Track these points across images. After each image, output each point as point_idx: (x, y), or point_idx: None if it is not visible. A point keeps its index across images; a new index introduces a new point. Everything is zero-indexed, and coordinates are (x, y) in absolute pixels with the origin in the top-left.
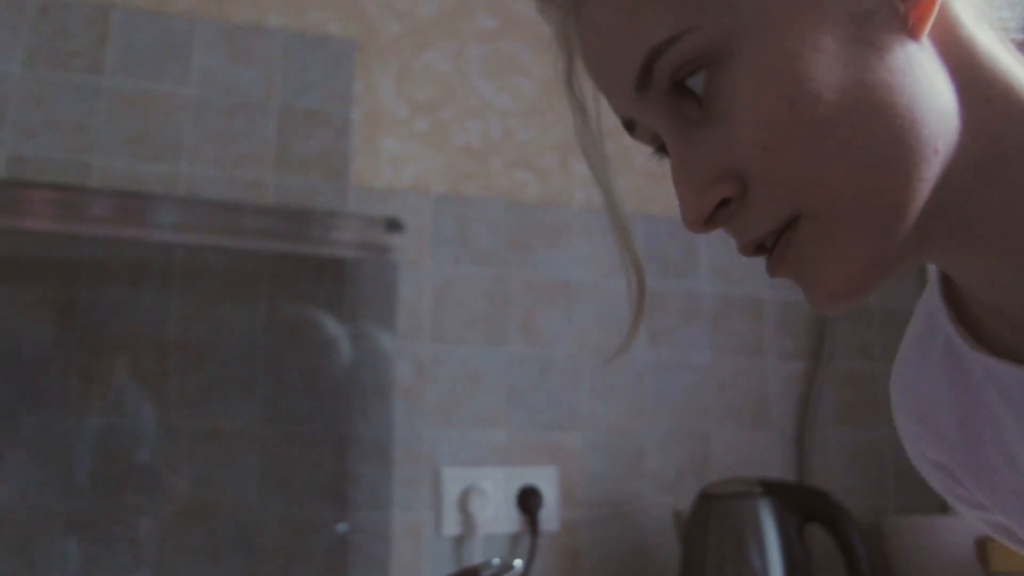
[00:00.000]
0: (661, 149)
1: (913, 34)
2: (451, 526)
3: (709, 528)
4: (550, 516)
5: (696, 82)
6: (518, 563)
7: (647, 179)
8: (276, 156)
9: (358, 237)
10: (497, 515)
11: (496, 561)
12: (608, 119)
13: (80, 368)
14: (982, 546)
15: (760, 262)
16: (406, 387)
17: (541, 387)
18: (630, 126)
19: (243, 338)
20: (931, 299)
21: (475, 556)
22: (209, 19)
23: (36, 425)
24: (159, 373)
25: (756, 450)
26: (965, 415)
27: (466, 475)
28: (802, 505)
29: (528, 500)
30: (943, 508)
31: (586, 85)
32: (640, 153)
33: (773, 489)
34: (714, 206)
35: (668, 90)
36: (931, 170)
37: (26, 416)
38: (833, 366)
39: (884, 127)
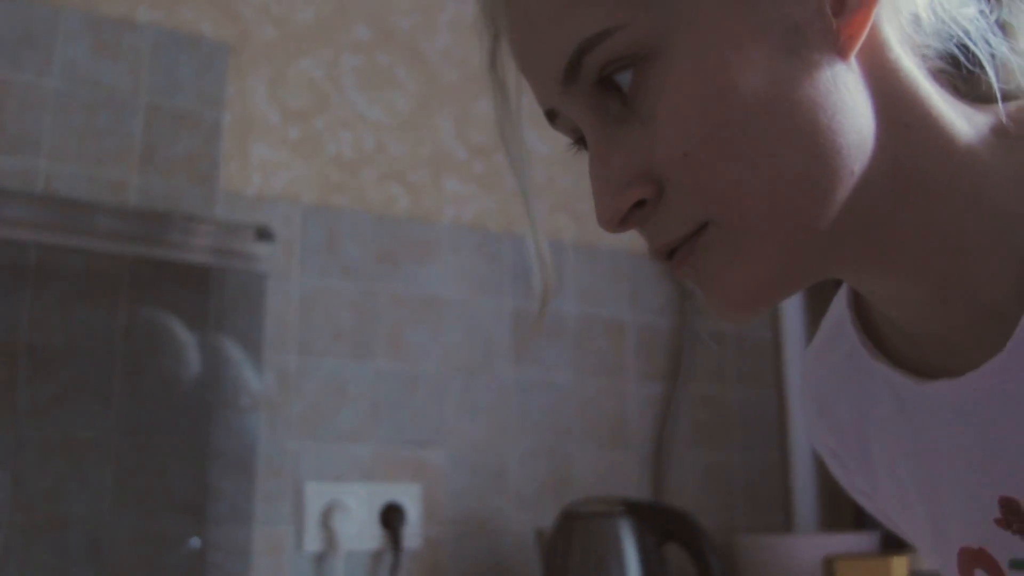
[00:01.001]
0: (580, 142)
1: (842, 53)
2: (313, 542)
3: (571, 546)
4: (413, 533)
5: (624, 79)
6: None
7: (515, 198)
8: (141, 156)
9: (225, 244)
10: (360, 531)
11: None
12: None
13: None
14: (829, 565)
15: (623, 285)
16: (270, 399)
17: (407, 403)
18: (551, 116)
19: (100, 344)
20: (840, 303)
21: (336, 573)
22: (74, 8)
23: None
24: (8, 378)
25: (615, 469)
26: (859, 416)
27: (329, 490)
28: (661, 524)
29: (391, 517)
30: (791, 527)
31: (509, 68)
32: (509, 172)
33: (634, 508)
34: (629, 207)
35: (594, 85)
36: (845, 191)
37: None
38: (689, 389)
39: (804, 145)
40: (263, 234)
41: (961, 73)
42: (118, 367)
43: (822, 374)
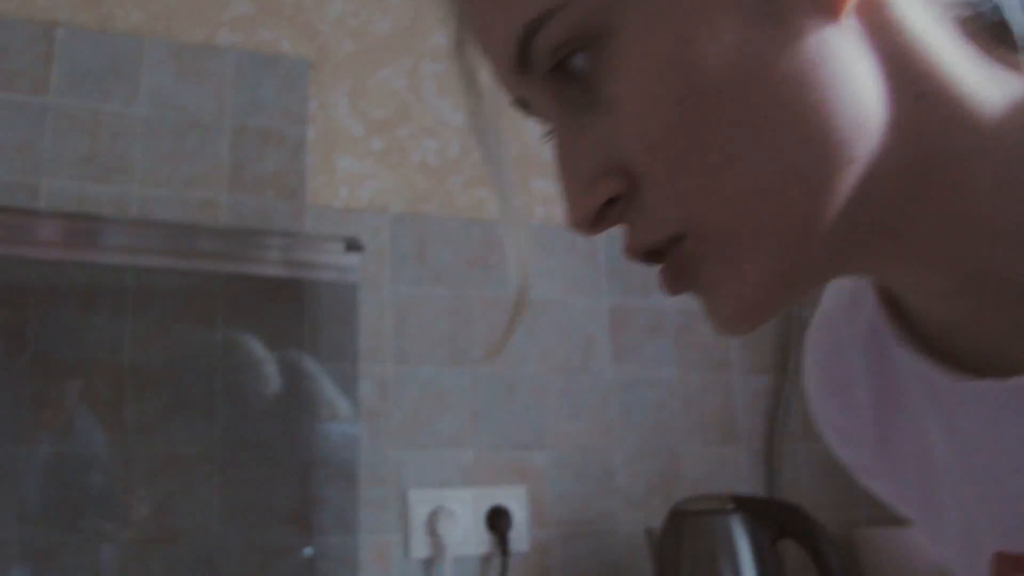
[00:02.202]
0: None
1: (832, 12)
2: (420, 549)
3: (682, 545)
4: (520, 536)
5: (582, 62)
6: None
7: None
8: (230, 176)
9: (317, 258)
10: (466, 536)
11: None
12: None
13: (32, 394)
14: None
15: None
16: (369, 409)
17: (507, 406)
18: (523, 104)
19: (200, 361)
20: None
21: None
22: (157, 37)
23: None
24: (114, 398)
25: (725, 465)
26: (880, 402)
27: (433, 497)
28: (774, 520)
29: (497, 520)
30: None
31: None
32: None
33: (745, 504)
34: (600, 205)
35: (551, 71)
36: (846, 181)
37: None
38: (799, 381)
39: (789, 130)
40: (352, 245)
41: (994, 21)
42: (218, 383)
43: (835, 353)
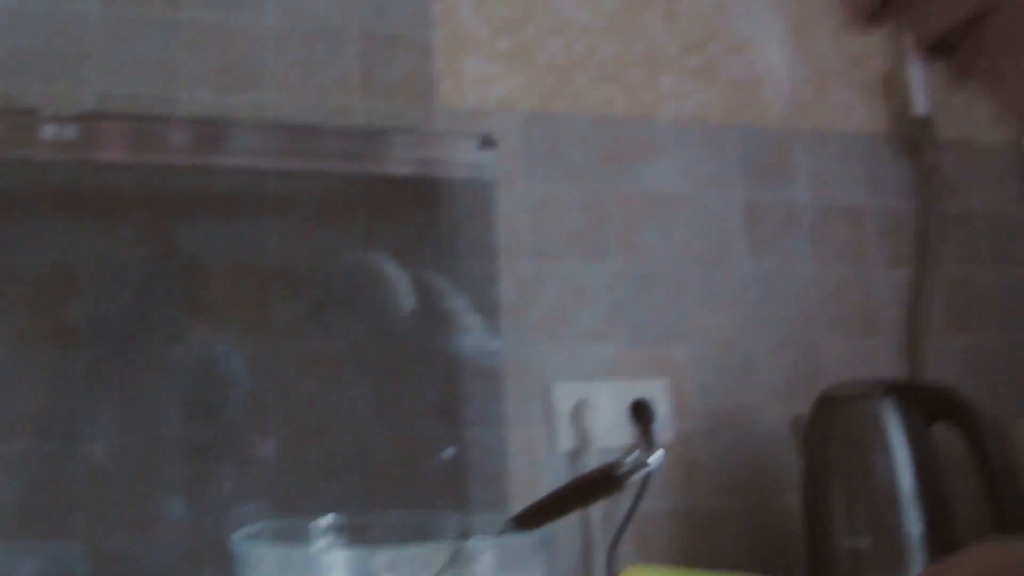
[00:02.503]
0: None
1: None
2: (565, 441)
3: (831, 432)
4: (664, 428)
5: None
6: (655, 457)
7: (735, 89)
8: (360, 82)
9: (452, 156)
10: (610, 429)
11: (630, 458)
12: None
13: (183, 299)
14: None
15: (858, 168)
16: (510, 306)
17: (645, 301)
18: None
19: (343, 265)
20: None
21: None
22: None
23: (147, 357)
24: (262, 300)
25: (867, 357)
26: None
27: (577, 390)
28: (927, 404)
29: (641, 413)
30: None
31: None
32: (728, 63)
33: (896, 389)
34: None
35: None
36: None
37: (135, 349)
38: (940, 272)
39: None
40: (487, 142)
41: None
42: (360, 282)
43: None
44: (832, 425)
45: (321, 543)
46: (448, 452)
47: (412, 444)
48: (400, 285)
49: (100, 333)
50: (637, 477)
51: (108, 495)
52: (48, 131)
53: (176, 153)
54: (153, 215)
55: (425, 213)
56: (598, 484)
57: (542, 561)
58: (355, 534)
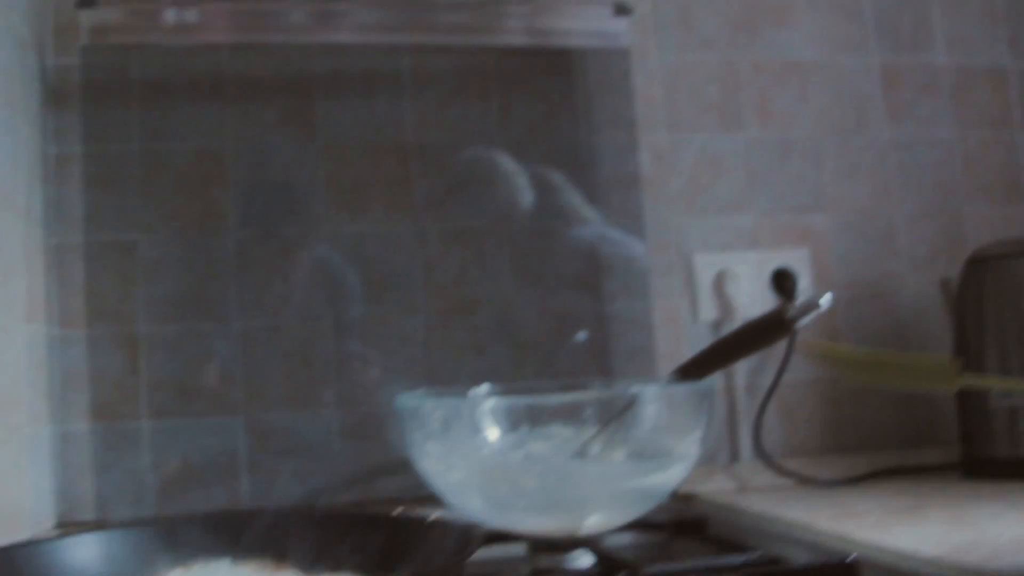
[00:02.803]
0: None
1: None
2: (708, 311)
3: (984, 293)
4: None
5: None
6: (826, 298)
7: None
8: None
9: (585, 25)
10: (753, 299)
11: (800, 300)
12: None
13: (325, 179)
14: None
15: (1000, 29)
16: (648, 177)
17: (782, 170)
18: None
19: (479, 138)
20: None
21: None
22: None
23: (295, 237)
24: (403, 176)
25: (1012, 223)
26: None
27: (718, 260)
28: None
29: (783, 282)
30: None
31: None
32: None
33: None
34: None
35: None
36: None
37: (284, 228)
38: None
39: None
40: (620, 9)
41: None
42: (499, 156)
43: None
44: (984, 284)
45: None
46: (581, 335)
47: (556, 317)
48: (518, 180)
49: (247, 216)
50: (808, 319)
51: (262, 373)
52: (169, 16)
53: (291, 32)
54: (294, 98)
55: (560, 86)
56: (767, 329)
57: (704, 414)
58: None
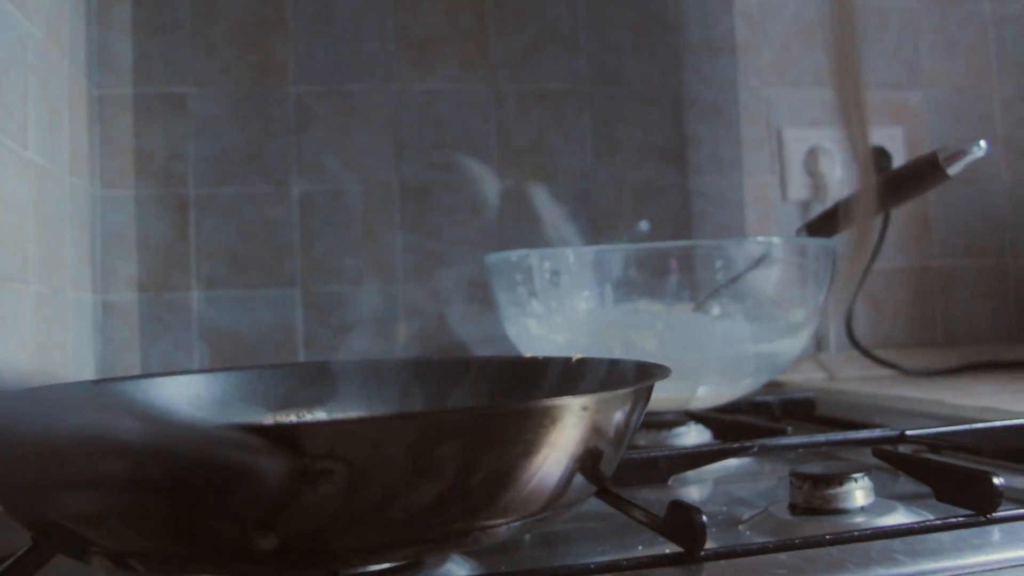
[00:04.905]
0: None
1: None
2: (798, 190)
3: None
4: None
5: None
6: (982, 144)
7: None
8: None
9: None
10: (844, 178)
11: (952, 146)
12: None
13: (395, 31)
14: None
15: None
16: (738, 43)
17: (878, 40)
18: None
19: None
20: None
21: None
22: None
23: (360, 93)
24: (479, 33)
25: None
26: None
27: (809, 136)
28: None
29: (878, 161)
30: None
31: None
32: None
33: None
34: None
35: None
36: None
37: (348, 84)
38: None
39: None
40: None
41: None
42: (583, 15)
43: None
44: None
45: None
46: (643, 226)
47: (638, 188)
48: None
49: (309, 70)
50: (962, 165)
51: (322, 241)
52: None
53: None
54: None
55: None
56: (917, 176)
57: (826, 276)
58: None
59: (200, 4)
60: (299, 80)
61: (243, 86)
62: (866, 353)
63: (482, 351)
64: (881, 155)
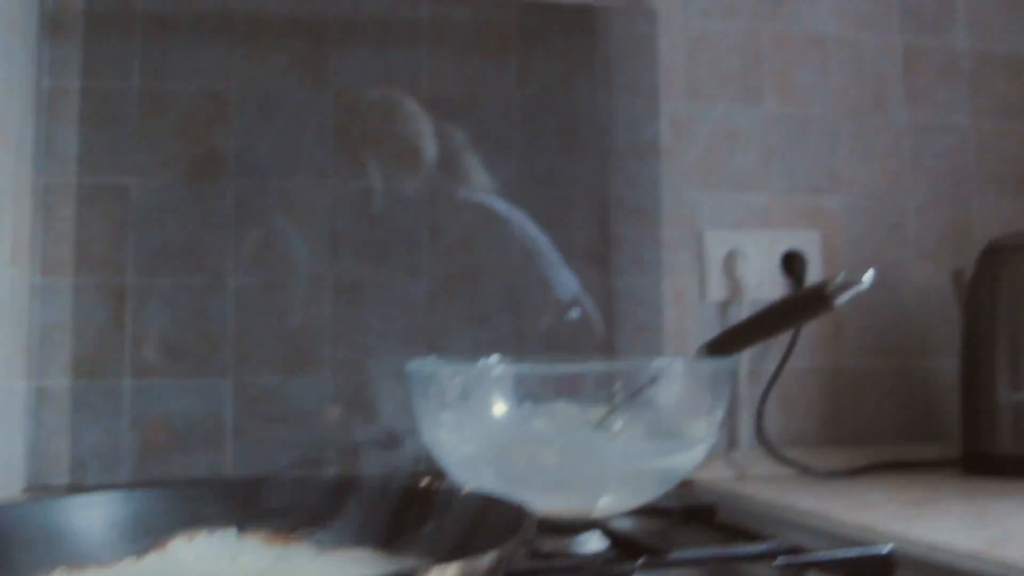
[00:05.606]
0: None
1: None
2: (716, 291)
3: (999, 284)
4: (814, 281)
5: None
6: (869, 275)
7: None
8: None
9: None
10: (762, 280)
11: (841, 276)
12: None
13: (336, 129)
14: None
15: (1020, 15)
16: (664, 147)
17: (799, 148)
18: None
19: (496, 96)
20: None
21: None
22: None
23: (298, 188)
24: (415, 133)
25: (1019, 216)
26: None
27: (729, 238)
28: None
29: (792, 265)
30: None
31: None
32: None
33: None
34: None
35: None
36: None
37: (287, 180)
38: None
39: None
40: None
41: None
42: (516, 117)
43: None
44: (999, 276)
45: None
46: (575, 312)
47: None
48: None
49: (249, 165)
50: (847, 296)
51: (255, 332)
52: None
53: None
54: (306, 42)
55: (581, 46)
56: (807, 304)
57: (726, 394)
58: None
59: (147, 98)
60: (239, 174)
61: (185, 179)
62: (774, 453)
63: (410, 443)
64: (797, 259)
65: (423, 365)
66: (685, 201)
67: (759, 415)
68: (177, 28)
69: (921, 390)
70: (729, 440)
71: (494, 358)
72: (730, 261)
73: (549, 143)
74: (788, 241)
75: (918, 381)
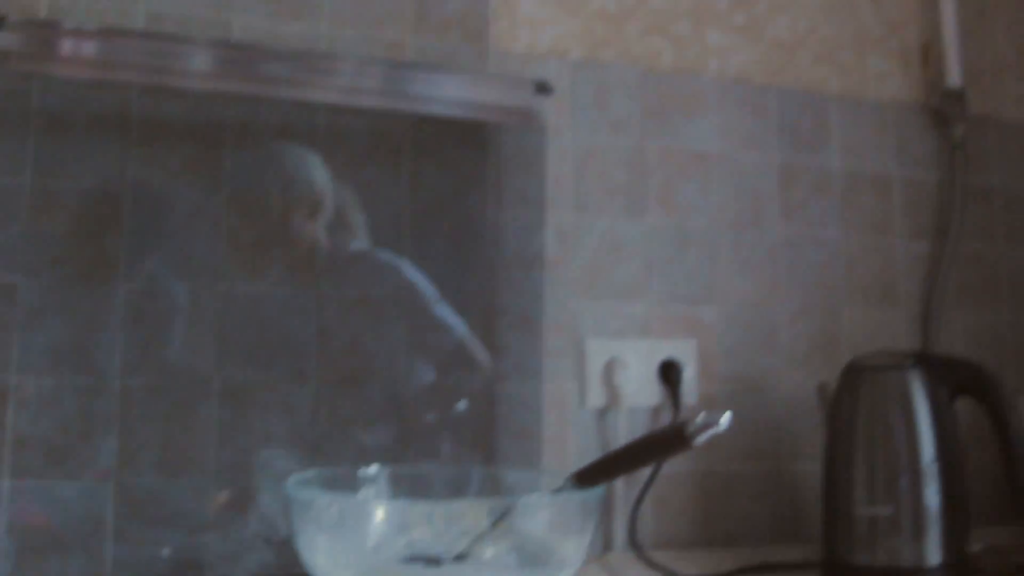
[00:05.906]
0: None
1: None
2: (595, 398)
3: (858, 400)
4: (689, 390)
5: None
6: (726, 418)
7: (778, 49)
8: (415, 16)
9: (504, 100)
10: (639, 387)
11: (700, 418)
12: None
13: (228, 233)
14: None
15: (889, 137)
16: (550, 258)
17: (679, 260)
18: None
19: (387, 205)
20: None
21: (618, 429)
22: None
23: (188, 292)
24: (310, 239)
25: (883, 328)
26: None
27: (609, 347)
28: (954, 377)
29: (669, 374)
30: None
31: None
32: (772, 21)
33: (923, 360)
34: None
35: None
36: None
37: (177, 283)
38: (958, 247)
39: None
40: (542, 88)
41: None
42: (406, 226)
43: None
44: (859, 393)
45: (369, 491)
46: (461, 406)
47: (447, 393)
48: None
49: (139, 265)
50: (706, 437)
51: (138, 435)
52: (66, 46)
53: (197, 78)
54: (201, 145)
55: (473, 158)
56: (667, 443)
57: (593, 519)
58: (399, 484)
59: (40, 196)
60: (129, 277)
61: (74, 280)
62: (643, 558)
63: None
64: (672, 368)
65: (300, 491)
66: (568, 310)
67: (632, 519)
68: (73, 127)
69: (790, 493)
70: (604, 543)
71: (374, 467)
72: (609, 369)
73: (438, 252)
74: (666, 350)
75: (787, 484)
